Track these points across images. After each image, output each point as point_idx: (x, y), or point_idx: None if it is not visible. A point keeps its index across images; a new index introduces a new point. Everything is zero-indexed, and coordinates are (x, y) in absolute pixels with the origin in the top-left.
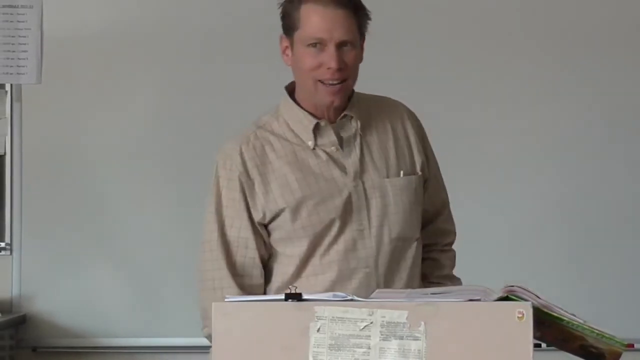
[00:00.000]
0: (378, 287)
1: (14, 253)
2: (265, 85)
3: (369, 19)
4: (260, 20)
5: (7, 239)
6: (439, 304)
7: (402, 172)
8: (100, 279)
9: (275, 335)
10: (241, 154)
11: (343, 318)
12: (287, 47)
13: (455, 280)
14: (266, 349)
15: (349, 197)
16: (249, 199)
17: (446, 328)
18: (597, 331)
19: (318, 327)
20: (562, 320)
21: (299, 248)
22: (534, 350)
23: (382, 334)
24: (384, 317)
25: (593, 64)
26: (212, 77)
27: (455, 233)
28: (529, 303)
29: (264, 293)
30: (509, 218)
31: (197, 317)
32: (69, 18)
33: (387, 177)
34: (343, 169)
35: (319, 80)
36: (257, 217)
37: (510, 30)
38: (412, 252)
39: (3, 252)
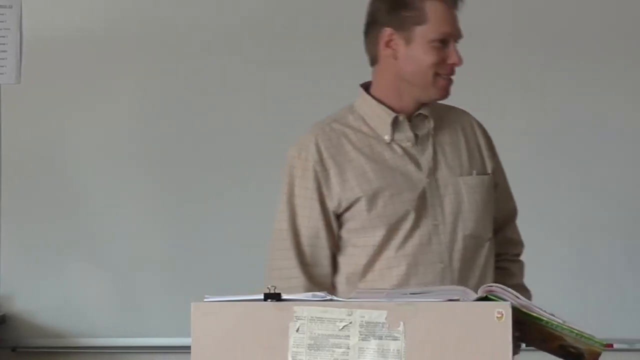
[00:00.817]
0: (452, 283)
1: None
2: (254, 83)
3: None
4: (246, 16)
5: None
6: (418, 304)
7: (474, 172)
8: (80, 279)
9: (254, 335)
10: (317, 144)
11: (322, 318)
12: (391, 40)
13: (526, 292)
14: (246, 349)
15: (424, 192)
16: (323, 189)
17: (425, 328)
18: (576, 331)
19: (297, 327)
20: (541, 320)
21: (373, 238)
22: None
23: (361, 334)
24: (363, 317)
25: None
26: (193, 76)
27: (523, 245)
28: (508, 303)
29: (332, 284)
30: None
31: (178, 317)
32: (48, 18)
33: (460, 175)
34: (417, 165)
35: (439, 75)
36: (332, 206)
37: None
38: (485, 251)
39: None
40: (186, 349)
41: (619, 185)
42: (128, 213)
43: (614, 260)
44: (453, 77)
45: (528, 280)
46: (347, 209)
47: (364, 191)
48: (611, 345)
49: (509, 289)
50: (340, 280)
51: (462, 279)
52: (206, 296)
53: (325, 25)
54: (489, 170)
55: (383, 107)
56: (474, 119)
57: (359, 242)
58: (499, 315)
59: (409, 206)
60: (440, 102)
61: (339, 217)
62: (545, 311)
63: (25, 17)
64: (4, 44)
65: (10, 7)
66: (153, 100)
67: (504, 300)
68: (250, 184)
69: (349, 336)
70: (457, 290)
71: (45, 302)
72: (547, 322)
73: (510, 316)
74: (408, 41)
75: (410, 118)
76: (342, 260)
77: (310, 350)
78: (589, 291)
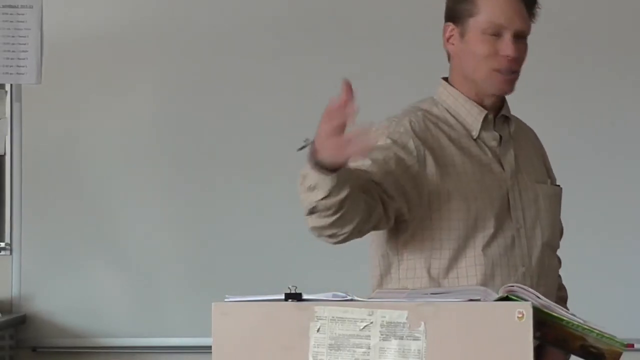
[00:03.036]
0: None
1: (14, 253)
2: (267, 84)
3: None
4: (262, 19)
5: (7, 239)
6: (439, 304)
7: (549, 181)
8: (100, 279)
9: (275, 335)
10: (411, 124)
11: (343, 318)
12: (452, 35)
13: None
14: (266, 348)
15: (507, 194)
16: (418, 157)
17: (446, 328)
18: (597, 331)
19: (318, 327)
20: (562, 320)
21: (457, 232)
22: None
23: (382, 334)
24: (384, 317)
25: (595, 64)
26: (213, 77)
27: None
28: (529, 303)
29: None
30: None
31: (198, 317)
32: (69, 18)
33: (537, 182)
34: (502, 165)
35: (495, 70)
36: (409, 183)
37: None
38: (555, 261)
39: (3, 252)
40: (206, 349)
41: (637, 184)
42: (147, 213)
43: (635, 260)
44: (515, 74)
45: None
46: (436, 195)
47: (454, 183)
48: (632, 345)
49: (530, 289)
50: (421, 274)
51: (539, 286)
52: (227, 296)
53: (347, 24)
54: (557, 183)
55: (473, 102)
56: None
57: (442, 234)
58: (520, 316)
59: (495, 206)
60: None
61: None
62: (566, 311)
63: (45, 17)
64: (24, 44)
65: (31, 7)
66: (172, 100)
67: (525, 300)
68: (270, 184)
69: (369, 336)
70: (478, 290)
71: (65, 303)
72: (568, 322)
73: (531, 316)
74: (462, 34)
75: (494, 117)
76: (420, 246)
77: (331, 350)
78: (610, 291)
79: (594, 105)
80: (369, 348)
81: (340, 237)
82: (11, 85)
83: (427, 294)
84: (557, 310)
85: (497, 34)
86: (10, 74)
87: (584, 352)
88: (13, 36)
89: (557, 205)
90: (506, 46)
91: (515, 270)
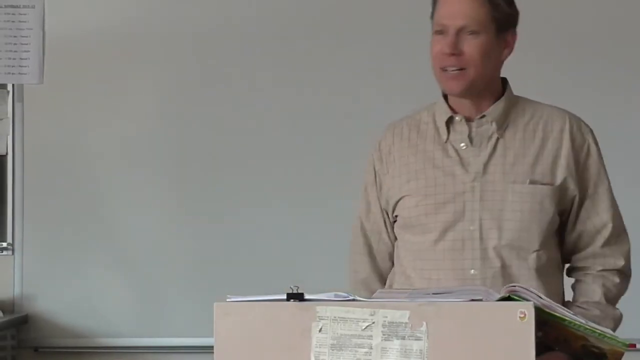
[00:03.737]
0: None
1: (16, 253)
2: (270, 82)
3: (510, 11)
4: (263, 20)
5: (9, 239)
6: (440, 304)
7: (529, 180)
8: (102, 279)
9: (277, 335)
10: (380, 143)
11: (345, 318)
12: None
13: (608, 309)
14: (268, 348)
15: (463, 196)
16: (377, 186)
17: (448, 328)
18: (598, 331)
19: (320, 327)
20: (564, 320)
21: (412, 236)
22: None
23: (384, 334)
24: (386, 317)
25: (596, 63)
26: (215, 76)
27: (621, 259)
28: (531, 303)
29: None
30: None
31: (200, 317)
32: (71, 18)
33: (513, 182)
34: (466, 167)
35: (441, 68)
36: (383, 203)
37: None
38: (530, 263)
39: (5, 252)
40: (208, 349)
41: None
42: (149, 213)
43: (638, 259)
44: (462, 70)
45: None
46: (394, 206)
47: (407, 188)
48: (634, 345)
49: (532, 289)
50: (395, 277)
51: (497, 288)
52: (229, 296)
53: (349, 24)
54: (558, 181)
55: (446, 106)
56: (574, 123)
57: (405, 238)
58: (522, 316)
59: (447, 209)
60: (540, 101)
61: (388, 214)
62: (567, 311)
63: (47, 17)
64: (27, 44)
65: (33, 7)
66: (174, 100)
67: (527, 300)
68: (272, 184)
69: (371, 336)
70: (480, 290)
71: (66, 303)
72: (569, 322)
73: (532, 316)
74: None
75: (472, 118)
76: (397, 255)
77: (333, 350)
78: None
79: (596, 105)
80: (371, 348)
81: None
82: (13, 85)
83: (428, 294)
84: (558, 310)
85: (443, 33)
86: (13, 74)
87: (585, 352)
88: (15, 36)
89: (535, 204)
90: (445, 43)
91: (463, 272)
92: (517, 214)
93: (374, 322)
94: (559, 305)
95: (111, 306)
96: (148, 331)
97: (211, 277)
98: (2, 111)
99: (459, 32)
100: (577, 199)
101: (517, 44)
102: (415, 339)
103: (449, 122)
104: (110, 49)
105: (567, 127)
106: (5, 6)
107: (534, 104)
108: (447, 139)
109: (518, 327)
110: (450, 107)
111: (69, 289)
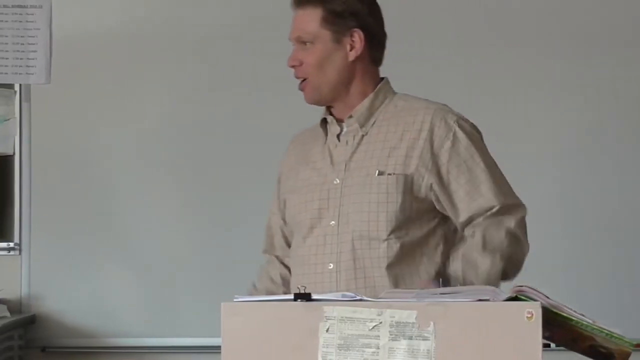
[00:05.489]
0: (337, 284)
1: (23, 253)
2: (278, 85)
3: (345, 14)
4: (272, 19)
5: (16, 239)
6: (448, 304)
7: (377, 172)
8: (109, 279)
9: (284, 335)
10: (288, 152)
11: (352, 318)
12: None
13: (480, 257)
14: (275, 348)
15: (328, 193)
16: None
17: (455, 328)
18: (606, 331)
19: (327, 327)
20: (571, 320)
21: (295, 235)
22: (543, 350)
23: (391, 334)
24: (393, 317)
25: (597, 63)
26: (225, 76)
27: (512, 221)
28: (538, 303)
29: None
30: None
31: (207, 317)
32: (78, 18)
33: (367, 175)
34: (334, 165)
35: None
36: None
37: (515, 29)
38: (381, 252)
39: (12, 252)
40: (215, 349)
41: None
42: (157, 213)
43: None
44: (304, 81)
45: (560, 283)
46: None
47: (291, 193)
48: None
49: (539, 290)
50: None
51: (348, 281)
52: (236, 296)
53: None
54: (410, 170)
55: (325, 109)
56: (439, 114)
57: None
58: (529, 315)
59: (314, 207)
60: (419, 96)
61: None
62: (575, 311)
63: (55, 17)
64: (34, 44)
65: (40, 7)
66: (182, 101)
67: (534, 300)
68: None
69: (379, 336)
70: (487, 290)
71: (74, 303)
72: (577, 322)
73: (540, 316)
74: None
75: (343, 119)
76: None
77: (340, 350)
78: (619, 291)
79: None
80: (378, 348)
81: None
82: (20, 85)
83: (436, 294)
84: (566, 310)
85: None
86: (20, 74)
87: (593, 352)
88: (22, 36)
89: (383, 195)
90: (289, 57)
91: (323, 267)
92: (364, 205)
93: (381, 322)
94: (566, 305)
95: (119, 306)
96: (156, 331)
97: (219, 277)
98: (9, 111)
99: (298, 44)
100: (437, 186)
101: (518, 41)
102: (423, 339)
103: (324, 123)
104: (117, 49)
105: (428, 118)
106: (13, 6)
107: (409, 99)
108: (325, 140)
109: (525, 327)
110: (330, 111)
111: (76, 289)
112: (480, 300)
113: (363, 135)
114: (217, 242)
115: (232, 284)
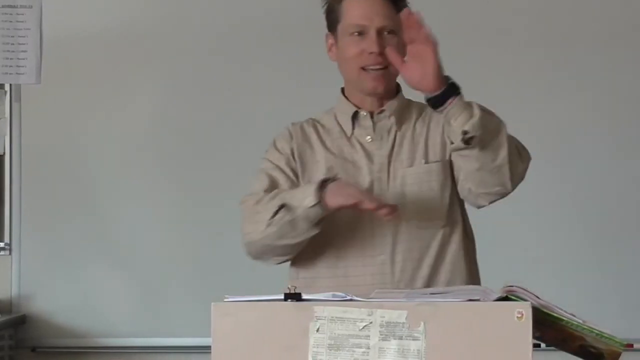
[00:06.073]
0: (392, 276)
1: (13, 253)
2: (268, 86)
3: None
4: (264, 20)
5: (7, 239)
6: (438, 304)
7: (424, 161)
8: (99, 279)
9: (275, 335)
10: (290, 132)
11: (342, 318)
12: (332, 43)
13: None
14: (266, 348)
15: (371, 186)
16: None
17: (445, 328)
18: (596, 331)
19: (317, 327)
20: (562, 320)
21: (326, 225)
22: (533, 350)
23: (381, 334)
24: (384, 317)
25: (596, 63)
26: (213, 78)
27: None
28: (529, 303)
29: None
30: (509, 218)
31: (197, 317)
32: (68, 18)
33: (410, 166)
34: (371, 159)
35: (362, 68)
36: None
37: (512, 29)
38: (439, 238)
39: (2, 252)
40: (206, 349)
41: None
42: (146, 213)
43: (635, 260)
44: (385, 69)
45: (551, 280)
46: None
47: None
48: (631, 346)
49: (530, 290)
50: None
51: (404, 271)
52: (226, 296)
53: None
54: (448, 157)
55: (349, 103)
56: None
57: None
58: (519, 315)
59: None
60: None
61: None
62: (565, 311)
63: (45, 17)
64: (24, 44)
65: (31, 7)
66: (172, 102)
67: (525, 300)
68: None
69: (369, 336)
70: (477, 290)
71: (64, 303)
72: (567, 322)
73: (530, 316)
74: (337, 41)
75: (373, 114)
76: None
77: (331, 350)
78: (609, 291)
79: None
80: (369, 348)
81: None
82: (10, 85)
83: (426, 293)
84: (556, 310)
85: (361, 34)
86: (10, 74)
87: (583, 352)
88: (12, 36)
89: (434, 182)
90: (370, 43)
91: (373, 259)
92: (416, 194)
93: (371, 322)
94: (557, 305)
95: (109, 306)
96: (146, 331)
97: (209, 277)
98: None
99: (379, 32)
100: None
101: (521, 43)
102: (413, 339)
103: (355, 117)
104: (108, 49)
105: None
106: (3, 6)
107: (415, 102)
108: (352, 133)
109: (515, 327)
110: (353, 104)
111: (66, 289)
112: (470, 300)
113: (397, 131)
114: (207, 242)
115: (222, 284)
